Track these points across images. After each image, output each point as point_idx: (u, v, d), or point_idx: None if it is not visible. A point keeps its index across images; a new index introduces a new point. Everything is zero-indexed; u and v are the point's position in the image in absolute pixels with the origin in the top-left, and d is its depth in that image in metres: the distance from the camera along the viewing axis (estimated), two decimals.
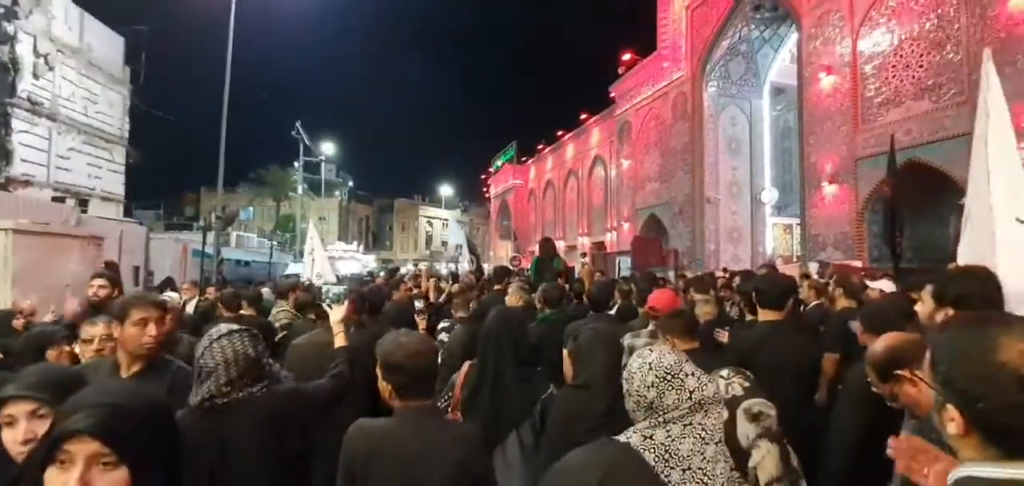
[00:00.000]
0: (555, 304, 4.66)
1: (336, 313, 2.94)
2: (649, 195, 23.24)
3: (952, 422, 1.04)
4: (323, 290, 3.16)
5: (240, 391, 2.05)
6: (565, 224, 34.83)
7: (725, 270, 12.82)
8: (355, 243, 52.37)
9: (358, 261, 35.76)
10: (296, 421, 2.24)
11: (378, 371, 2.02)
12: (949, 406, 1.04)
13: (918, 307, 2.22)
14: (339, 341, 2.83)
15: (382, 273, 15.55)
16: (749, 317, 4.26)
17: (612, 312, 4.94)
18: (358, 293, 4.14)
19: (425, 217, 70.70)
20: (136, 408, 1.15)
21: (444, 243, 69.77)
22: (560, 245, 31.85)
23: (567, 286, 6.81)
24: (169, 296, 3.72)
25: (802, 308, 5.58)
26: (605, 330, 2.71)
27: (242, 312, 5.01)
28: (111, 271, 6.01)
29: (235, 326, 2.20)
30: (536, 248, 8.69)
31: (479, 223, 72.03)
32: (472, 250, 12.58)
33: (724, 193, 20.35)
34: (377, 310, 4.45)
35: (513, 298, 4.62)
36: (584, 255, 27.32)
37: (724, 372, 2.16)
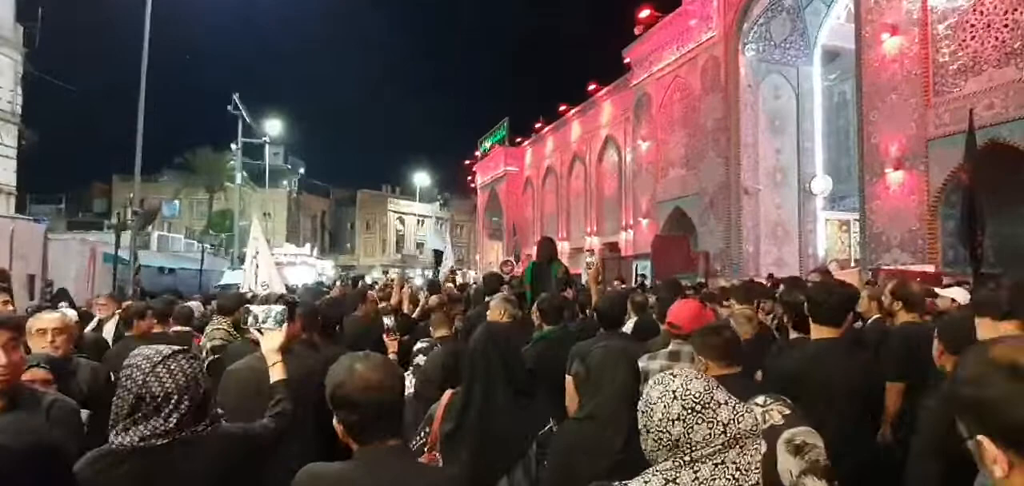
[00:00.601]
0: (555, 319, 4.66)
1: (270, 340, 2.88)
2: (673, 184, 23.33)
3: (995, 464, 1.10)
4: (254, 315, 2.98)
5: (184, 429, 2.02)
6: (569, 221, 34.90)
7: (770, 276, 12.88)
8: (308, 245, 52.30)
9: (311, 267, 35.69)
10: (245, 469, 2.23)
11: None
12: (981, 439, 1.12)
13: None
14: (276, 374, 2.78)
15: (338, 282, 15.51)
16: (794, 334, 4.28)
17: (626, 329, 4.94)
18: (309, 307, 4.12)
19: (396, 212, 70.66)
20: (20, 450, 1.13)
21: (420, 245, 69.80)
22: (564, 248, 31.87)
23: (571, 297, 6.81)
24: (63, 312, 3.67)
25: (861, 324, 5.60)
26: (619, 348, 2.71)
27: (153, 330, 4.97)
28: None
29: (177, 347, 2.17)
30: (534, 251, 8.68)
31: (462, 220, 72.11)
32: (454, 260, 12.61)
33: (765, 182, 20.45)
34: (333, 328, 4.43)
35: (496, 313, 4.63)
36: (591, 252, 27.36)
37: (760, 399, 2.18)
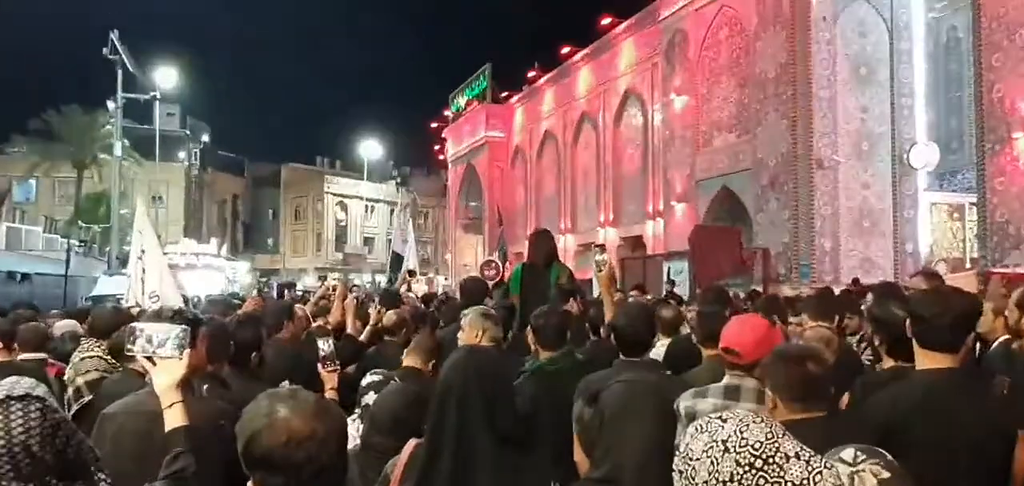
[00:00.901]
0: (557, 342, 4.67)
1: (166, 372, 2.85)
2: (719, 156, 23.40)
3: None
4: (147, 336, 2.92)
5: None
6: (575, 207, 35.02)
7: (854, 282, 12.92)
8: (214, 241, 52.05)
9: (219, 271, 35.60)
10: None
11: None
12: None
13: None
14: (174, 419, 2.76)
15: (256, 292, 15.48)
16: (890, 363, 4.28)
17: (655, 354, 4.94)
18: (217, 326, 4.08)
19: (335, 195, 70.65)
20: None
21: (368, 240, 69.83)
22: (567, 244, 31.95)
23: (578, 311, 6.82)
24: None
25: (980, 349, 5.60)
26: (645, 382, 2.71)
27: None
28: None
29: (18, 389, 2.13)
30: (526, 249, 8.68)
31: (427, 205, 72.16)
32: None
33: (847, 152, 20.52)
34: (249, 356, 4.44)
35: (470, 333, 4.63)
36: (602, 248, 27.39)
37: (847, 453, 2.16)
